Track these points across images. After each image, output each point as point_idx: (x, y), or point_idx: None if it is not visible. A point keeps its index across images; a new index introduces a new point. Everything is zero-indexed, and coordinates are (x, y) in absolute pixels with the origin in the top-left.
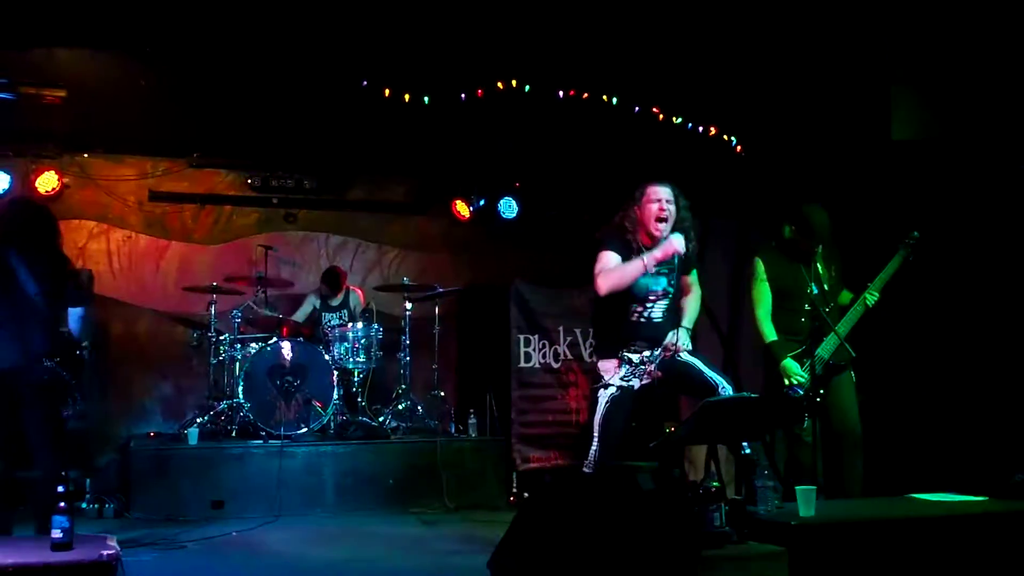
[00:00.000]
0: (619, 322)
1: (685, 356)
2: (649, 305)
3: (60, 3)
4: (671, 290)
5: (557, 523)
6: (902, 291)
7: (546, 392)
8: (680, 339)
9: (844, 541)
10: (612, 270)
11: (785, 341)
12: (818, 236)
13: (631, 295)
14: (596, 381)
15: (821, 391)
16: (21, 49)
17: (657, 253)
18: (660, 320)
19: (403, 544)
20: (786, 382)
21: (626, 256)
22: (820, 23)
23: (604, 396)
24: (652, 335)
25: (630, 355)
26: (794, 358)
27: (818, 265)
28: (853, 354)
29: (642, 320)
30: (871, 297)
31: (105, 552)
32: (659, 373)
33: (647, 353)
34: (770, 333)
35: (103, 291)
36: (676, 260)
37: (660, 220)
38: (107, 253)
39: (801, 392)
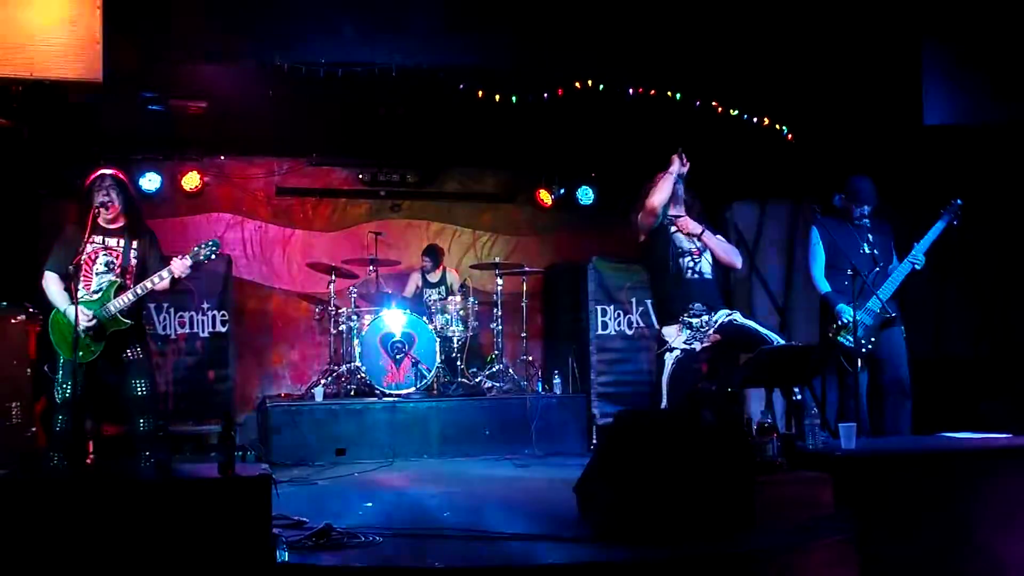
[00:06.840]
0: (676, 284)
1: (740, 319)
2: (696, 259)
3: (211, 24)
4: (702, 248)
5: (632, 452)
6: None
7: (621, 356)
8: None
9: (880, 469)
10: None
11: (837, 294)
12: (864, 200)
13: (677, 249)
14: (661, 346)
15: (872, 339)
16: (173, 64)
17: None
18: (710, 277)
19: (499, 482)
20: (839, 322)
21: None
22: (856, 18)
23: (670, 359)
24: (706, 295)
25: (690, 319)
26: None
27: (868, 233)
28: (893, 314)
29: (695, 276)
30: (918, 261)
31: (261, 472)
32: (718, 336)
33: (705, 317)
34: (823, 286)
35: (239, 274)
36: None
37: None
38: (241, 241)
39: (851, 339)
